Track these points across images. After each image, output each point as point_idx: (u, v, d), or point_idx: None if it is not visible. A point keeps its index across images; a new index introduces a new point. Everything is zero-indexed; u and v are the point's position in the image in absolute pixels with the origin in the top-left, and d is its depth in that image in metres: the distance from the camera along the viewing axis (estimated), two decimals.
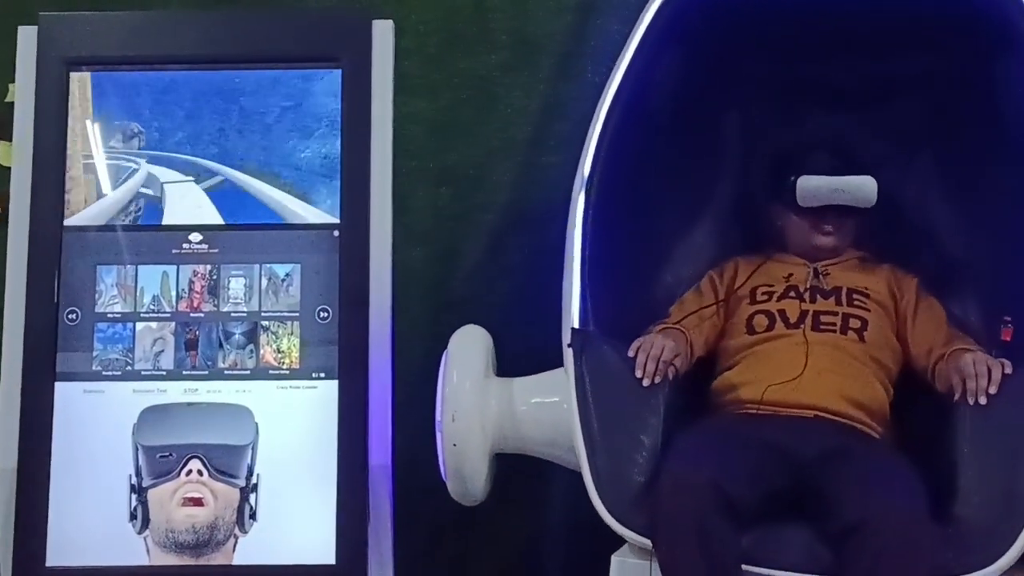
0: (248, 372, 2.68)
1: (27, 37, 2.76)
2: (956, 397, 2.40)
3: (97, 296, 2.69)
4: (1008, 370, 2.39)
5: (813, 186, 2.65)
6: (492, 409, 2.51)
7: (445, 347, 3.13)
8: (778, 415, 2.50)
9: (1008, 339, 2.48)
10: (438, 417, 2.52)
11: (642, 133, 2.70)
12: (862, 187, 2.63)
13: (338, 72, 2.74)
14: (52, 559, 2.60)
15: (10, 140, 2.77)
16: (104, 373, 2.67)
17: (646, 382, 2.46)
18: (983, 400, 2.36)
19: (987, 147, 2.70)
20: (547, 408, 2.52)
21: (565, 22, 3.18)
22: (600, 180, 2.61)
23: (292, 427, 2.65)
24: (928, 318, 2.65)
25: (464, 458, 2.49)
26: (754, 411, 2.52)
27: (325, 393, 2.65)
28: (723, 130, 2.89)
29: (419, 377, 3.02)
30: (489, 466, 2.54)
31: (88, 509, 2.61)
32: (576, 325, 2.53)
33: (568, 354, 2.50)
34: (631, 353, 2.50)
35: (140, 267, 2.71)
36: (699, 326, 2.68)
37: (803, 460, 2.38)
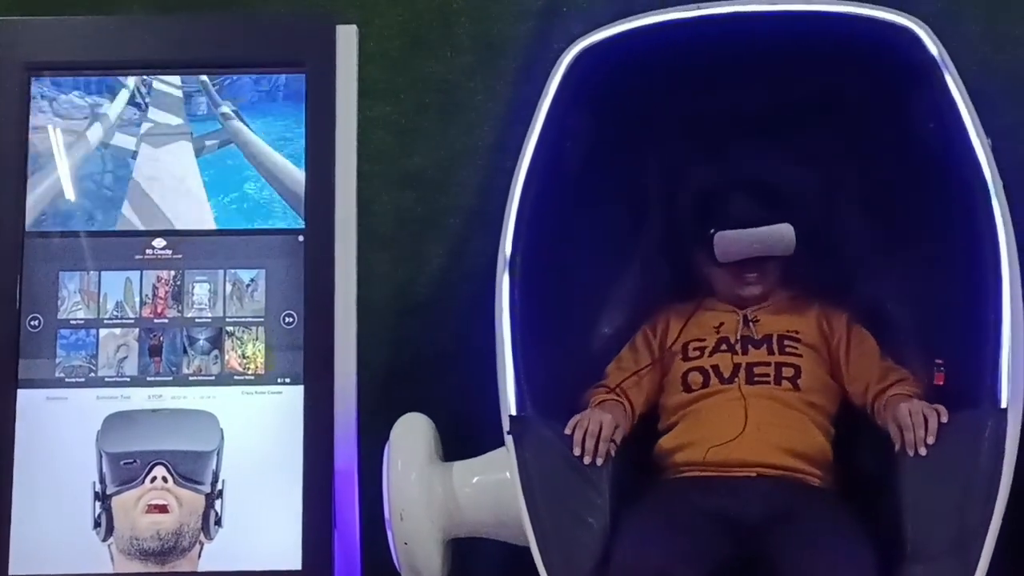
0: (213, 378, 2.66)
1: None
2: (896, 448, 2.40)
3: (60, 303, 2.67)
4: (944, 418, 2.39)
5: (730, 242, 2.65)
6: (439, 498, 2.52)
7: (409, 352, 3.16)
8: (721, 476, 2.51)
9: (941, 383, 2.49)
10: (387, 515, 2.52)
11: (561, 198, 2.71)
12: (779, 237, 2.64)
13: (302, 76, 2.73)
14: (15, 567, 2.57)
15: None
16: (67, 380, 2.65)
17: (587, 460, 2.46)
18: (923, 451, 2.36)
19: (909, 179, 2.71)
20: (489, 488, 2.52)
21: (528, 26, 3.19)
22: (523, 258, 2.61)
23: (257, 433, 2.64)
24: (861, 354, 2.66)
25: (416, 556, 2.50)
26: (697, 474, 2.53)
27: (290, 398, 2.64)
28: (642, 178, 2.90)
29: (384, 382, 3.04)
30: (443, 554, 2.54)
31: (51, 517, 2.59)
32: (513, 411, 2.52)
33: (509, 441, 2.49)
34: (568, 431, 2.50)
35: (103, 273, 2.69)
36: (638, 385, 2.69)
37: (749, 526, 2.40)
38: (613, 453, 2.51)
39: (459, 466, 2.59)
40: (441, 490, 2.53)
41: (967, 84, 2.58)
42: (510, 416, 2.52)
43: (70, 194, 2.73)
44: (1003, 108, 2.91)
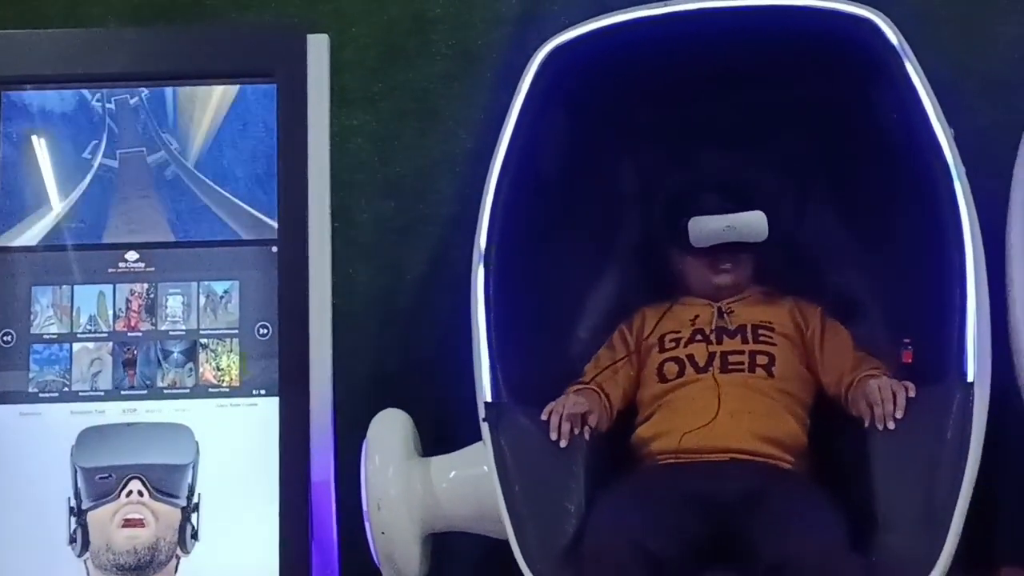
0: (188, 391, 2.65)
1: None
2: (866, 424, 2.45)
3: (32, 317, 2.66)
4: (912, 393, 2.44)
5: (703, 226, 2.69)
6: (417, 492, 2.53)
7: (390, 362, 3.14)
8: (695, 462, 2.53)
9: (909, 361, 2.53)
10: (364, 506, 2.53)
11: (535, 196, 2.74)
12: (752, 222, 2.68)
13: (272, 87, 2.72)
14: None
15: None
16: (41, 395, 2.64)
17: (563, 443, 2.49)
18: (891, 425, 2.41)
19: (876, 171, 2.74)
20: (467, 482, 2.54)
21: (504, 33, 3.18)
22: (498, 251, 2.65)
23: (233, 445, 2.62)
24: (835, 345, 2.68)
25: (394, 544, 2.51)
26: (672, 461, 2.55)
27: (266, 410, 2.63)
28: (617, 179, 2.94)
29: (365, 391, 3.03)
30: (421, 549, 2.55)
31: (26, 532, 2.58)
32: (488, 398, 2.55)
33: (485, 428, 2.52)
34: (544, 417, 2.53)
35: (76, 287, 2.67)
36: (613, 379, 2.71)
37: (722, 506, 2.41)
38: (588, 436, 2.53)
39: (437, 460, 2.60)
40: (419, 483, 2.54)
41: (941, 86, 2.60)
42: (485, 403, 2.55)
43: (42, 208, 2.71)
44: (978, 108, 2.92)
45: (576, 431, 2.52)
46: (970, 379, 2.41)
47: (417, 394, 3.07)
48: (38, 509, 2.58)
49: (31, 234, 2.70)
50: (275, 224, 2.69)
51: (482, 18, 3.20)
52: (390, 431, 2.61)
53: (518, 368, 2.62)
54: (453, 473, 2.57)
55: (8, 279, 2.67)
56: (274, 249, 2.68)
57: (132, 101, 2.74)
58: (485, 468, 2.50)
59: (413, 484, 2.54)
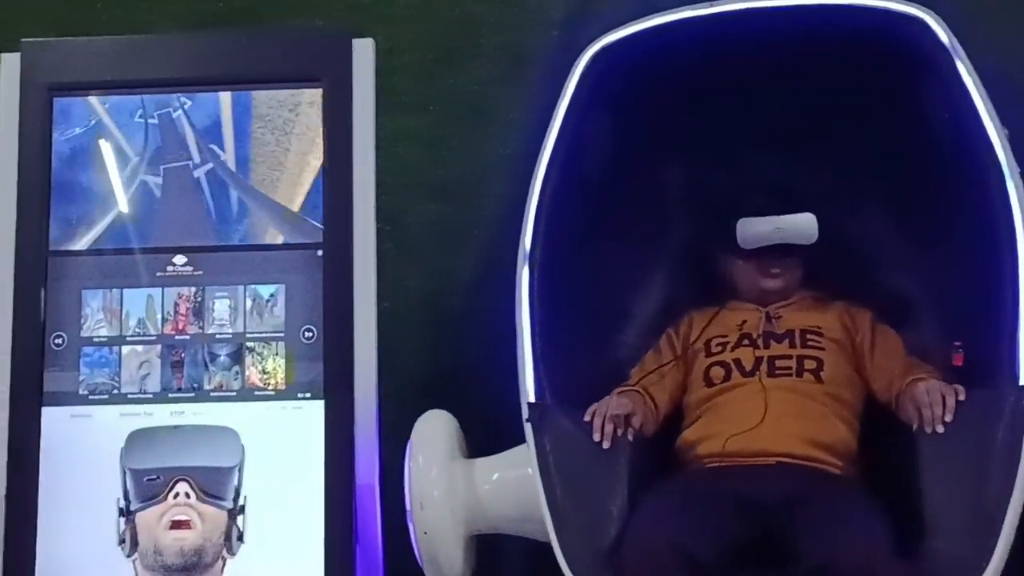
0: (234, 393, 2.67)
1: (10, 64, 2.78)
2: (914, 427, 2.41)
3: (83, 320, 2.70)
4: (962, 396, 2.39)
5: (752, 228, 2.66)
6: (460, 493, 2.52)
7: (438, 364, 3.14)
8: (740, 466, 2.49)
9: (960, 364, 2.49)
10: (408, 506, 2.53)
11: (581, 198, 2.72)
12: (802, 224, 2.64)
13: (319, 91, 2.73)
14: None
15: None
16: (91, 397, 2.68)
17: (605, 444, 2.48)
18: (940, 428, 2.37)
19: (925, 171, 2.70)
20: (510, 484, 2.53)
21: (553, 35, 3.16)
22: (543, 252, 2.63)
23: (279, 448, 2.64)
24: (885, 351, 2.64)
25: (437, 545, 2.50)
26: (716, 464, 2.52)
27: (311, 413, 2.64)
28: (663, 182, 2.90)
29: (412, 394, 3.03)
30: (465, 550, 2.54)
31: (76, 533, 2.62)
32: (532, 399, 2.54)
33: (528, 429, 2.50)
34: (587, 418, 2.51)
35: (125, 291, 2.71)
36: (660, 383, 2.68)
37: (765, 508, 2.38)
38: (631, 438, 2.52)
39: (481, 462, 2.59)
40: (463, 484, 2.53)
41: (992, 84, 2.55)
42: (528, 403, 2.53)
43: (92, 213, 2.75)
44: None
45: (619, 432, 2.50)
46: (1022, 382, 2.37)
47: (464, 396, 3.05)
48: (88, 510, 2.62)
49: (81, 239, 2.74)
50: (321, 228, 2.70)
51: (531, 20, 3.19)
52: (435, 432, 2.61)
53: (562, 370, 2.61)
54: (496, 475, 2.56)
55: (59, 283, 2.71)
56: (319, 253, 2.70)
57: (180, 106, 2.77)
58: (529, 470, 2.49)
59: (456, 485, 2.53)
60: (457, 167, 3.20)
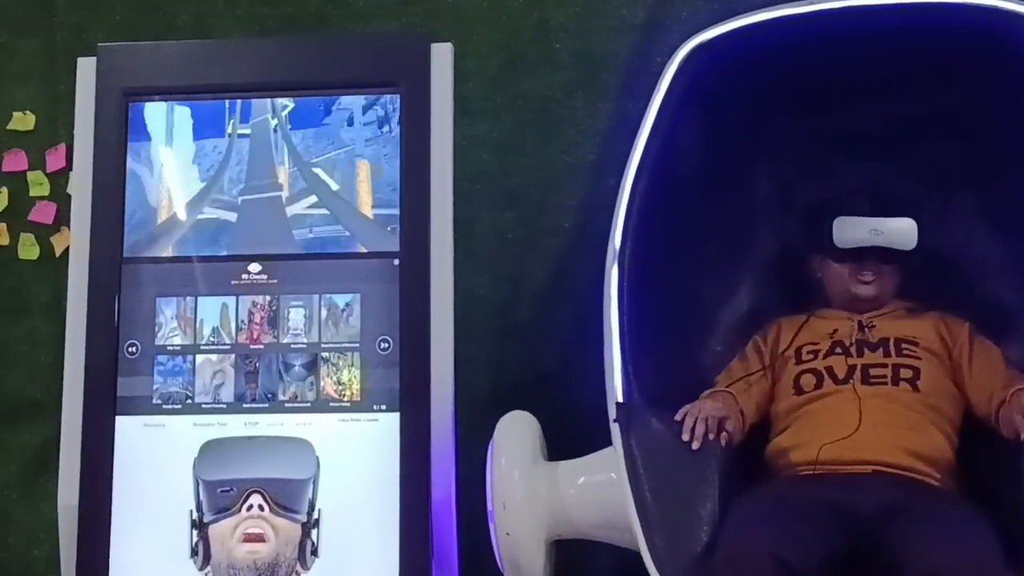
0: (309, 404, 2.63)
1: (86, 69, 2.76)
2: (1022, 437, 2.34)
3: (157, 328, 2.67)
4: None
5: (851, 226, 2.60)
6: (543, 496, 2.48)
7: (510, 373, 3.09)
8: (835, 474, 2.43)
9: None
10: (489, 507, 2.49)
11: (671, 198, 2.66)
12: (902, 229, 2.58)
13: (397, 97, 2.69)
14: None
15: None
16: (164, 407, 2.65)
17: (695, 445, 2.43)
18: None
19: None
20: (595, 488, 2.49)
21: (629, 40, 3.12)
22: (632, 251, 2.58)
23: (353, 461, 2.60)
24: (984, 363, 2.57)
25: (518, 547, 2.46)
26: (810, 472, 2.46)
27: (386, 426, 2.60)
28: (754, 186, 2.85)
29: (484, 405, 2.98)
30: (546, 554, 2.50)
31: (149, 544, 2.59)
32: (620, 399, 2.48)
33: (615, 429, 2.45)
34: (678, 417, 2.47)
35: (200, 299, 2.68)
36: (747, 391, 2.63)
37: (862, 517, 2.33)
38: (724, 443, 2.47)
39: (564, 465, 2.55)
40: (545, 487, 2.49)
41: None
42: (616, 403, 2.48)
43: (166, 220, 2.72)
44: None
45: (711, 436, 2.45)
46: None
47: (536, 408, 3.01)
48: (161, 521, 2.59)
49: (156, 246, 2.71)
50: (397, 236, 2.66)
51: (605, 25, 3.14)
52: (517, 433, 2.57)
53: (649, 371, 2.56)
54: (582, 479, 2.51)
55: (133, 290, 2.68)
56: (396, 262, 2.65)
57: (257, 112, 2.74)
58: (613, 475, 2.43)
59: (539, 487, 2.49)
60: (528, 174, 3.16)
